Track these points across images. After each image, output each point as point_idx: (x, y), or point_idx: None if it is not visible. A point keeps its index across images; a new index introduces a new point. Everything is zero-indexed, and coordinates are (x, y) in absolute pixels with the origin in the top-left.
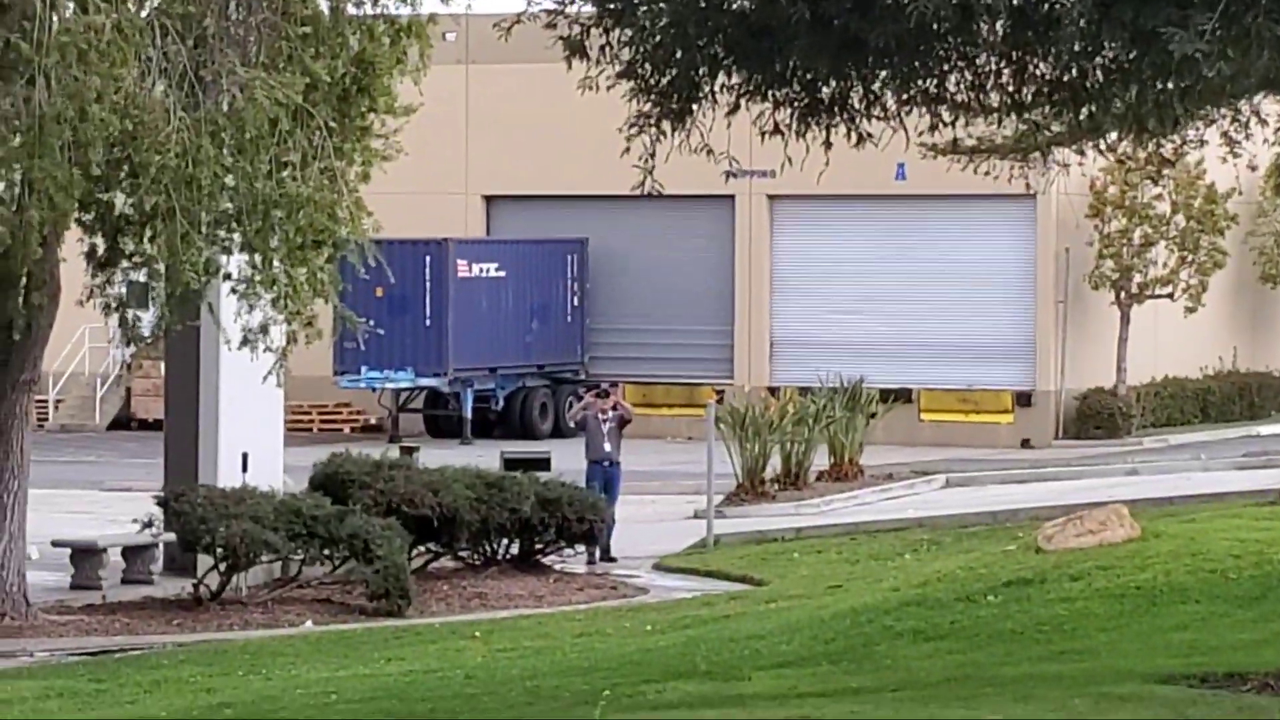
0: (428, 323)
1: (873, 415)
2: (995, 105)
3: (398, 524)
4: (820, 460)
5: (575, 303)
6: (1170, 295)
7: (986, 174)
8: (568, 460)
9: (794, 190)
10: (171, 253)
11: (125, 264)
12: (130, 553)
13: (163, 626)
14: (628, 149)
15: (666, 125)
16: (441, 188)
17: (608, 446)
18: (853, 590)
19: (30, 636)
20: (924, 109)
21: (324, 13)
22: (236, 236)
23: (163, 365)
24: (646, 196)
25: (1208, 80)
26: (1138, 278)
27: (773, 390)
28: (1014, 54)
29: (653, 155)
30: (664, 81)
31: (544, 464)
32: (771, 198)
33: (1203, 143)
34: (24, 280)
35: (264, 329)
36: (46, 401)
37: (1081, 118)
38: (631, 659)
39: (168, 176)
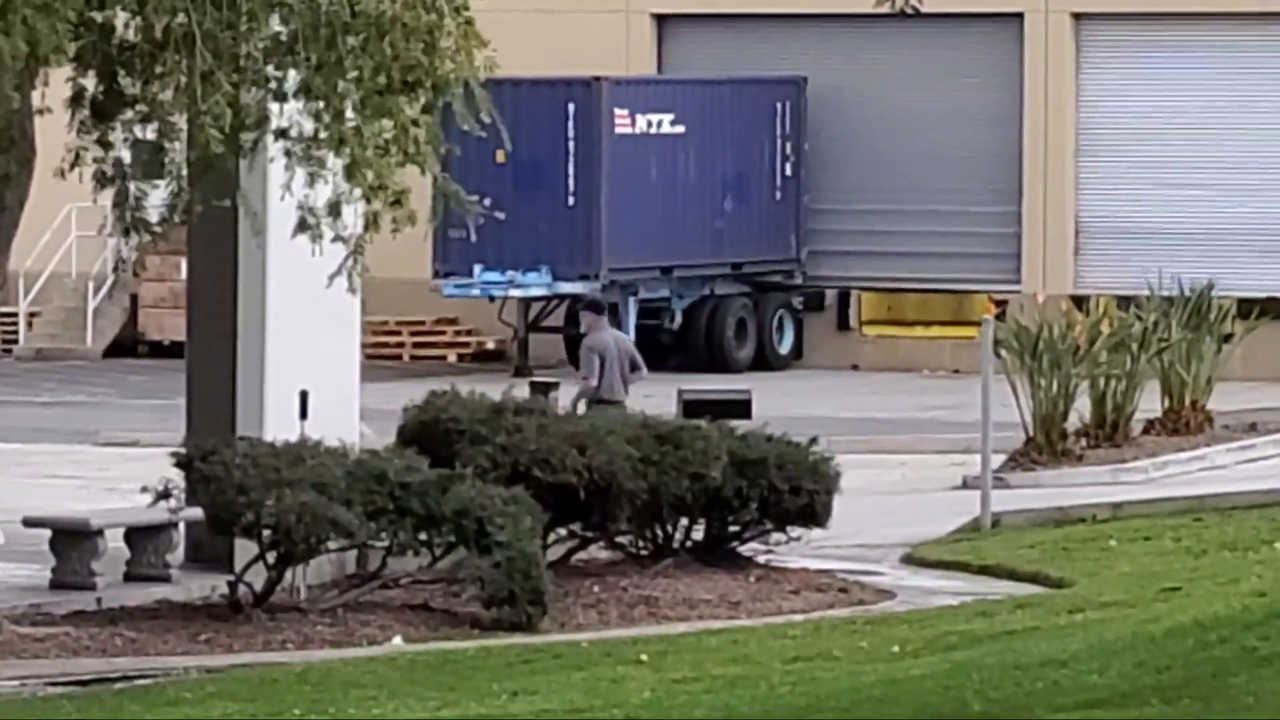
0: (570, 201)
1: (1227, 338)
2: None
3: (527, 496)
4: (1149, 404)
5: (787, 172)
6: None
7: None
8: (776, 402)
9: (1111, 6)
10: (193, 99)
11: (128, 115)
12: (137, 537)
13: (184, 644)
14: None
15: None
16: (592, 4)
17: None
18: (1197, 596)
19: None
20: None
21: None
22: (291, 75)
23: (183, 265)
24: (896, 16)
25: None
26: None
27: (1078, 301)
28: None
29: None
30: None
31: (742, 408)
32: (1078, 17)
33: None
34: None
35: (331, 210)
36: (16, 316)
37: None
38: (870, 695)
39: None
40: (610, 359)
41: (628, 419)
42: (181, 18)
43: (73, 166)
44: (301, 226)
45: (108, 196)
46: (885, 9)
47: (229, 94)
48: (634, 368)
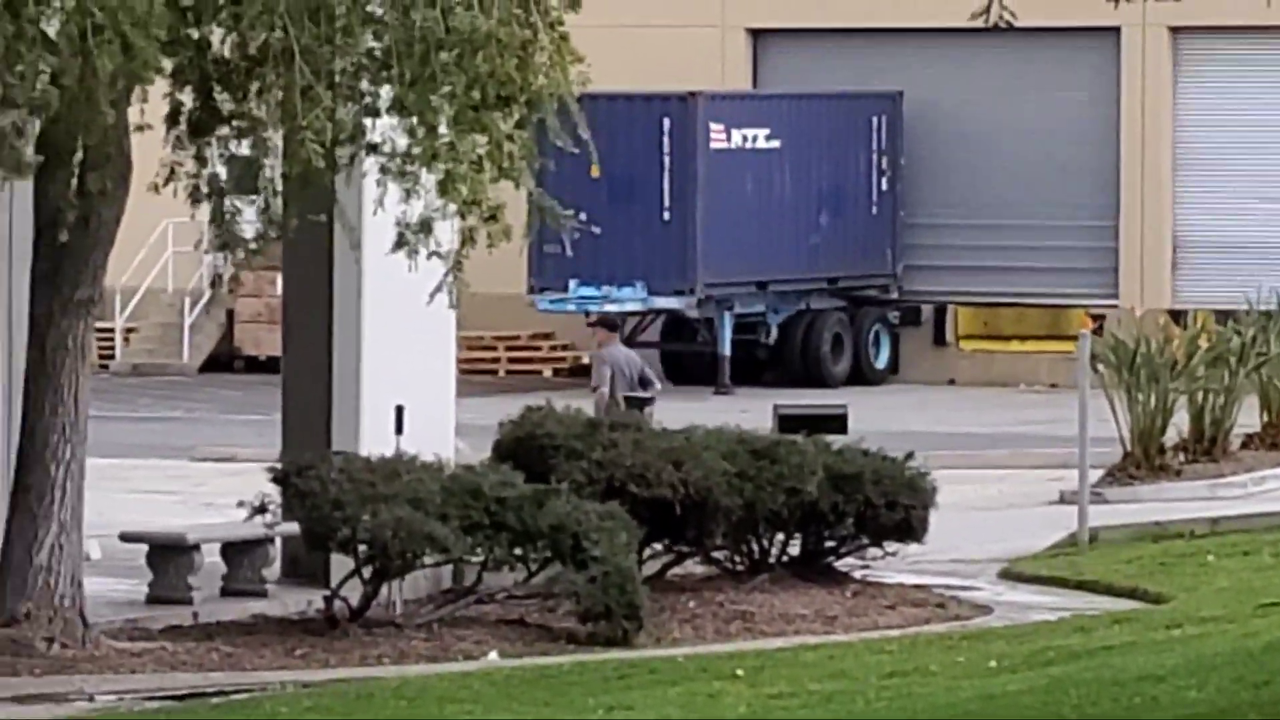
0: (666, 216)
1: None
2: None
3: (622, 511)
4: (1248, 418)
5: (883, 187)
6: None
7: None
8: (872, 417)
9: (1209, 19)
10: (289, 114)
11: (223, 131)
12: (233, 552)
13: (280, 658)
14: None
15: None
16: (687, 19)
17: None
18: None
19: (89, 672)
20: None
21: None
22: (385, 91)
23: (279, 280)
24: (992, 30)
25: None
26: None
27: (1176, 316)
28: None
29: None
30: None
31: (838, 423)
32: (1175, 31)
33: None
34: (78, 156)
35: (425, 226)
36: (112, 331)
37: None
38: (967, 711)
39: (286, 3)
40: (619, 373)
41: (723, 434)
42: (279, 34)
43: (167, 182)
44: (399, 242)
45: (204, 212)
46: (981, 23)
47: (328, 109)
48: (645, 384)
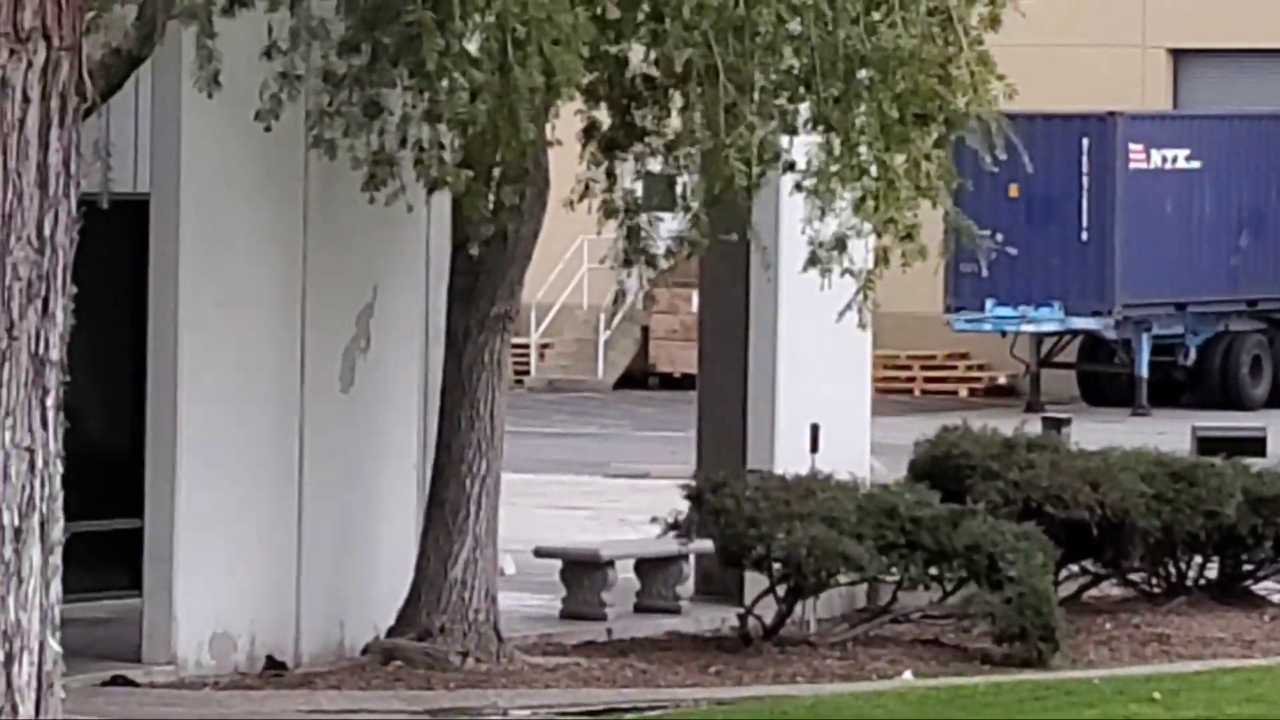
0: (1084, 236)
1: None
2: None
3: (1038, 532)
4: None
5: None
6: None
7: None
8: None
9: None
10: (713, 131)
11: (640, 148)
12: (647, 568)
13: (694, 675)
14: None
15: None
16: (1108, 38)
17: None
18: None
19: (504, 686)
20: None
21: None
22: (804, 108)
23: (694, 297)
24: None
25: None
26: None
27: None
28: None
29: None
30: None
31: (1257, 446)
32: None
33: None
34: (495, 172)
35: (839, 244)
36: (528, 347)
37: None
38: None
39: (709, 19)
40: None
41: (1140, 456)
42: (701, 50)
43: (582, 198)
44: (811, 261)
45: (613, 229)
46: None
47: (750, 126)
48: None
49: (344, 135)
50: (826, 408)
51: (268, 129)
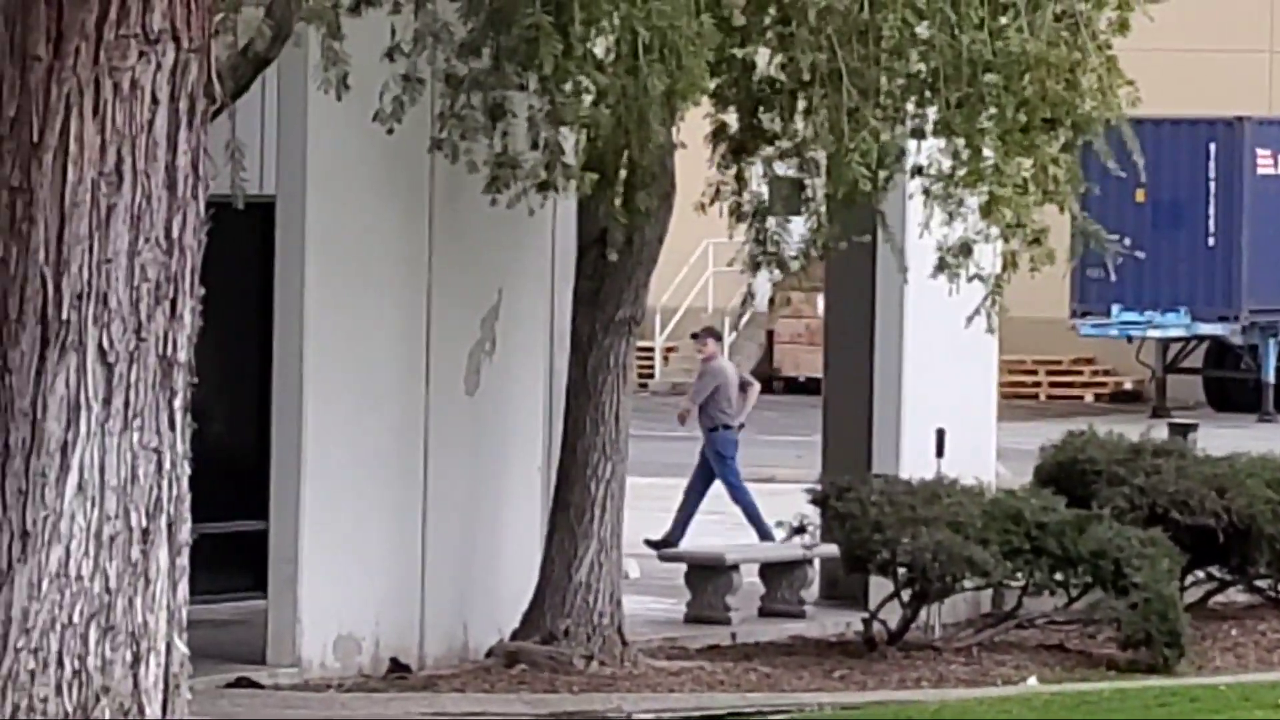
0: (1210, 242)
1: None
2: None
3: (1164, 538)
4: None
5: None
6: None
7: None
8: None
9: None
10: (836, 135)
11: (766, 151)
12: (772, 572)
13: (818, 680)
14: None
15: None
16: (1235, 44)
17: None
18: None
19: (627, 690)
20: None
21: None
22: (931, 113)
23: (820, 301)
24: None
25: None
26: None
27: None
28: None
29: None
30: None
31: None
32: None
33: None
34: (623, 175)
35: (965, 249)
36: (652, 350)
37: None
38: None
39: (834, 24)
40: (724, 387)
41: (1266, 462)
42: (826, 54)
43: (712, 201)
44: (940, 266)
45: (741, 231)
46: None
47: (874, 130)
48: (744, 386)
49: (461, 138)
50: (952, 412)
51: (390, 131)
